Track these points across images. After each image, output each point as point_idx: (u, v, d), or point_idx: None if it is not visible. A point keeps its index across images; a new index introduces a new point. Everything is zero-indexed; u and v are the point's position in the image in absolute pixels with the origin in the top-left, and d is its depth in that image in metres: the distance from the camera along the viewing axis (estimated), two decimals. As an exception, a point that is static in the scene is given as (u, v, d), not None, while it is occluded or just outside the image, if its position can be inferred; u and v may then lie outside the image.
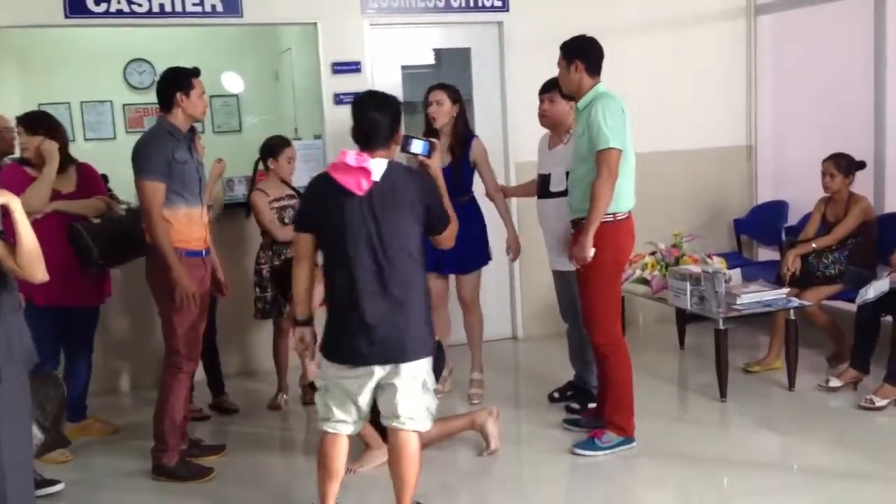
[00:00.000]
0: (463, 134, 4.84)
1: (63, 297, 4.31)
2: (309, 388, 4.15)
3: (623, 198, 4.00)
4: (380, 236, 3.11)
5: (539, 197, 4.70)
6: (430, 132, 4.76)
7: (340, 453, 3.28)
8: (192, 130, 4.14)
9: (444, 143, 4.72)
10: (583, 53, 4.05)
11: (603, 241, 3.92)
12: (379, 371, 3.15)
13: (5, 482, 2.74)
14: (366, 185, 3.10)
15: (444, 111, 4.76)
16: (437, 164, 3.54)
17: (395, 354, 3.14)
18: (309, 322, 3.34)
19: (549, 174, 4.59)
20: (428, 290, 3.32)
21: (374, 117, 3.18)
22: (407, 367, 3.15)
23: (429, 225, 3.25)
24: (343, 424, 3.25)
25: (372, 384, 3.18)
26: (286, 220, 4.96)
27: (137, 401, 5.22)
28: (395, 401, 3.17)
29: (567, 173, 4.30)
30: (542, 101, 4.65)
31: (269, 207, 4.94)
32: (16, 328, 2.82)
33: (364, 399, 3.21)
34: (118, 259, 4.48)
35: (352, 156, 3.12)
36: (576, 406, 4.68)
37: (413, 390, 3.19)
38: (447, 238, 3.37)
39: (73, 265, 4.32)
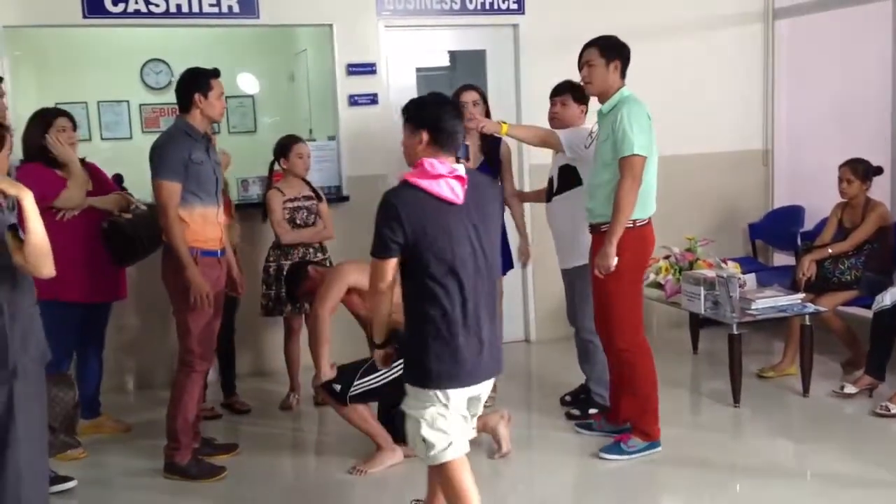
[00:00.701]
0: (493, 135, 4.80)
1: (90, 294, 4.38)
2: (322, 389, 4.14)
3: (645, 204, 3.98)
4: (481, 245, 2.92)
5: (547, 200, 4.68)
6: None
7: (470, 473, 3.04)
8: (207, 136, 4.14)
9: (474, 144, 4.71)
10: (621, 53, 4.02)
11: (623, 247, 3.89)
12: (484, 384, 3.02)
13: (20, 478, 2.76)
14: (461, 192, 2.88)
15: (478, 111, 4.68)
16: (472, 165, 3.47)
17: (496, 368, 3.04)
18: (387, 344, 3.15)
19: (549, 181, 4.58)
20: None
21: (456, 121, 2.98)
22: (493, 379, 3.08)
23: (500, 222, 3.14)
24: (462, 445, 3.00)
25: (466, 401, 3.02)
26: (298, 221, 4.97)
27: (150, 399, 5.24)
28: (476, 411, 3.11)
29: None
30: (553, 103, 4.64)
31: (283, 207, 4.95)
32: (31, 325, 2.84)
33: (468, 416, 3.05)
34: (145, 254, 4.50)
35: (438, 164, 2.86)
36: (575, 412, 4.67)
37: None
38: None
39: (97, 261, 4.37)
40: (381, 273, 2.90)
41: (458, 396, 2.93)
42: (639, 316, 4.13)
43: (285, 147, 5.02)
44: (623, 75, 4.03)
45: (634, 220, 3.95)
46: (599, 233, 4.03)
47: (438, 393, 2.90)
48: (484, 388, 3.04)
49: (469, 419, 3.06)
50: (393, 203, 2.84)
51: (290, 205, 4.98)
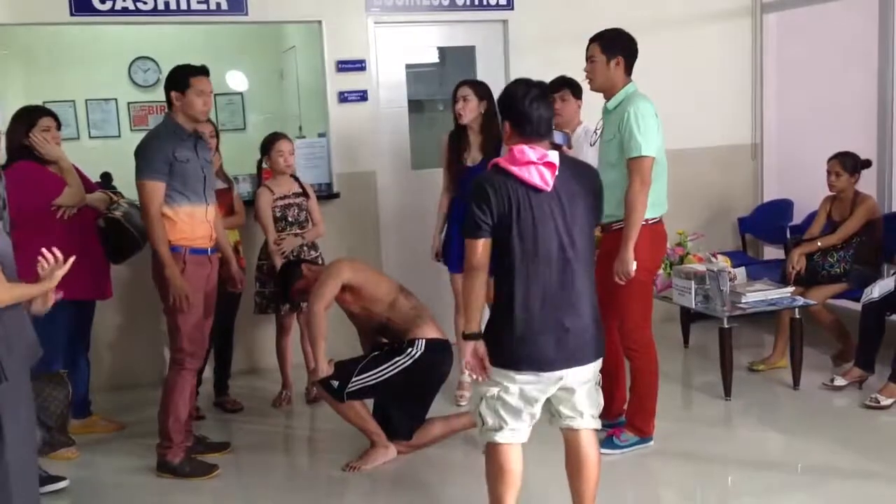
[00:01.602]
0: (496, 132, 4.77)
1: (83, 292, 4.37)
2: (319, 385, 4.13)
3: (656, 203, 3.94)
4: (568, 232, 2.93)
5: None
6: (458, 128, 4.73)
7: (518, 461, 3.07)
8: (196, 134, 4.11)
9: (474, 141, 4.70)
10: (625, 49, 3.94)
11: (635, 248, 3.84)
12: (565, 375, 2.98)
13: (9, 478, 2.75)
14: (551, 180, 2.90)
15: (470, 107, 4.66)
16: (574, 153, 3.40)
17: (583, 356, 2.99)
18: (480, 336, 3.01)
19: None
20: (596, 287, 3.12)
21: (541, 107, 2.98)
22: (587, 369, 3.03)
23: (598, 212, 3.11)
24: (514, 433, 3.02)
25: (554, 389, 3.00)
26: (290, 219, 4.97)
27: (142, 398, 5.22)
28: (574, 401, 3.05)
29: None
30: (553, 100, 4.59)
31: (274, 205, 4.94)
32: (16, 324, 2.81)
33: (540, 405, 3.04)
34: (139, 250, 4.49)
35: (529, 150, 2.90)
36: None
37: (590, 390, 3.09)
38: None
39: (90, 259, 4.37)
40: (470, 251, 2.94)
41: (524, 380, 2.94)
42: (647, 315, 4.12)
43: (267, 144, 5.02)
44: (628, 72, 3.96)
45: (647, 220, 3.89)
46: (611, 231, 3.98)
47: (503, 372, 2.95)
48: (574, 378, 2.99)
49: (534, 414, 3.02)
50: (483, 185, 2.91)
51: (280, 202, 4.97)
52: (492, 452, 3.06)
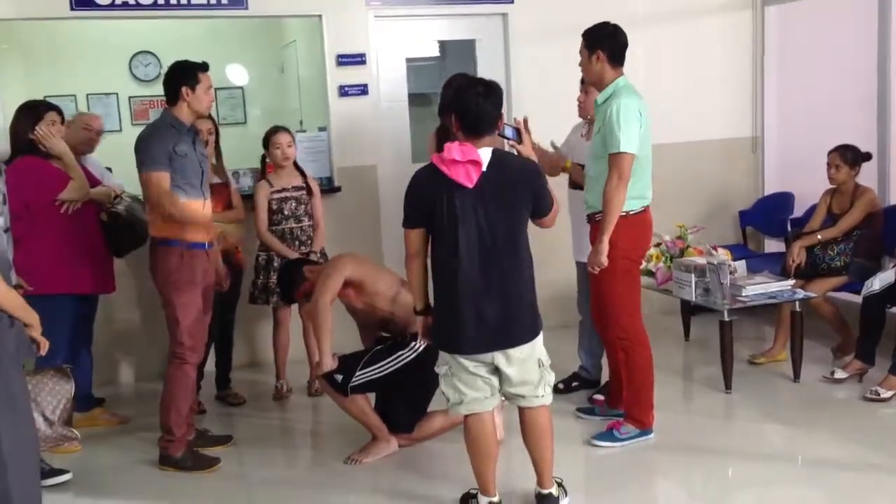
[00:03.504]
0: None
1: (89, 285, 4.42)
2: (323, 379, 4.13)
3: (637, 197, 3.96)
4: (490, 227, 3.14)
5: (570, 186, 4.64)
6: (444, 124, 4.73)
7: (489, 431, 3.33)
8: (193, 129, 4.13)
9: None
10: (605, 42, 3.94)
11: (614, 237, 3.88)
12: (495, 356, 3.23)
13: (7, 472, 2.75)
14: (475, 177, 3.12)
15: None
16: (529, 148, 3.50)
17: (506, 340, 3.21)
18: (426, 311, 3.38)
19: (582, 166, 4.48)
20: (532, 276, 3.32)
21: (481, 104, 3.17)
22: (516, 352, 3.24)
23: (535, 209, 3.27)
24: (477, 402, 3.30)
25: (491, 367, 3.27)
26: (286, 212, 4.98)
27: (144, 392, 5.24)
28: (513, 380, 3.28)
29: None
30: (581, 90, 4.58)
31: (270, 198, 4.97)
32: (5, 321, 2.82)
33: (491, 374, 3.29)
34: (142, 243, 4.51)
35: (456, 149, 3.12)
36: (600, 396, 4.63)
37: (527, 371, 3.28)
38: (551, 219, 3.38)
39: (95, 253, 4.39)
40: (406, 241, 3.29)
41: (464, 360, 3.24)
42: (636, 305, 4.14)
43: (265, 138, 5.07)
44: (615, 64, 3.96)
45: (627, 211, 3.92)
46: (595, 223, 4.03)
47: (446, 355, 3.29)
48: (504, 361, 3.23)
49: (485, 377, 3.27)
50: (412, 181, 3.26)
51: (276, 196, 4.99)
52: (465, 427, 3.36)
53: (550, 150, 4.59)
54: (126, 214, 4.44)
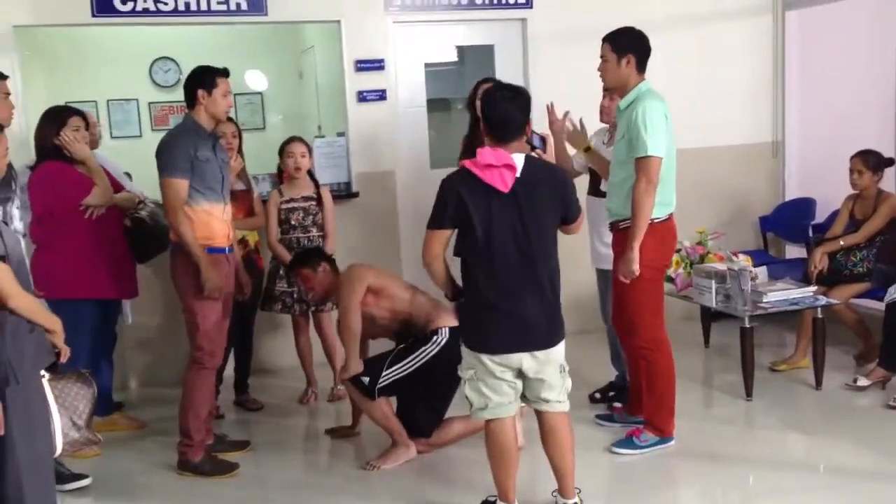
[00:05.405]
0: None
1: (113, 291, 4.43)
2: (349, 383, 4.14)
3: (663, 203, 3.93)
4: (525, 230, 3.18)
5: (589, 193, 4.58)
6: (474, 127, 4.68)
7: (511, 436, 3.34)
8: (214, 134, 4.15)
9: None
10: (635, 47, 3.94)
11: (641, 246, 3.84)
12: (523, 358, 3.24)
13: (21, 476, 2.76)
14: (510, 182, 3.15)
15: None
16: (552, 156, 3.54)
17: (535, 343, 3.24)
18: (459, 296, 3.41)
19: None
20: (559, 281, 3.35)
21: (509, 110, 3.22)
22: (544, 354, 3.26)
23: (564, 215, 3.32)
24: (500, 408, 3.30)
25: (516, 370, 3.27)
26: (293, 222, 4.99)
27: (164, 396, 5.26)
28: (535, 387, 3.30)
29: None
30: (604, 96, 4.53)
31: (280, 208, 4.99)
32: (26, 328, 2.83)
33: (517, 379, 3.29)
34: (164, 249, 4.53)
35: (490, 153, 3.16)
36: (619, 404, 4.60)
37: (550, 375, 3.29)
38: (578, 226, 3.44)
39: (119, 258, 4.42)
40: (430, 243, 3.28)
41: (491, 362, 3.24)
42: (660, 313, 4.10)
43: (280, 148, 5.08)
44: (641, 69, 3.94)
45: (653, 219, 3.88)
46: (619, 230, 4.00)
47: (474, 355, 3.28)
48: (530, 363, 3.24)
49: (509, 382, 3.28)
50: (448, 183, 3.25)
51: (285, 206, 5.00)
52: (487, 432, 3.35)
53: (578, 126, 4.48)
54: (150, 220, 4.47)
